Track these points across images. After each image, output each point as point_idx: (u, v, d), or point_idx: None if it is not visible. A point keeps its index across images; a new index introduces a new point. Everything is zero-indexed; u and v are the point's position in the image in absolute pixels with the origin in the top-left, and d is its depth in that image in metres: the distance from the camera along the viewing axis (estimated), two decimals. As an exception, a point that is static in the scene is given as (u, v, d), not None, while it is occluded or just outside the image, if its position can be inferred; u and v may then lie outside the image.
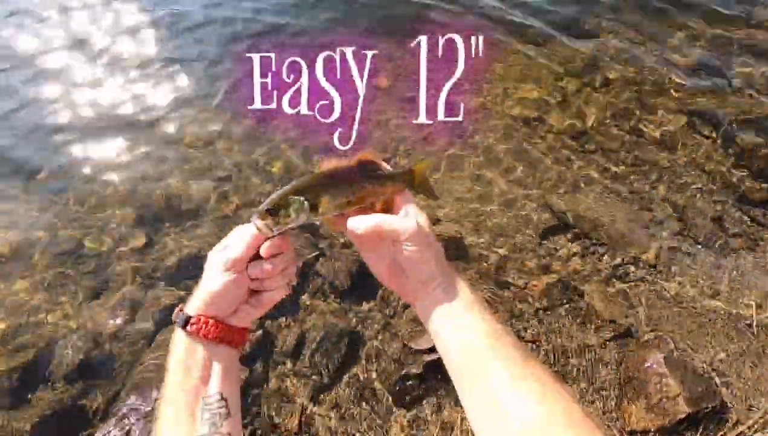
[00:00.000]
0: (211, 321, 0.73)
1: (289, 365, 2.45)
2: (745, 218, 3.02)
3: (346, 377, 2.39)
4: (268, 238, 0.74)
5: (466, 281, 0.76)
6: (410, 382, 2.31)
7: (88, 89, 4.04)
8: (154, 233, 3.04)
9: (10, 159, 3.47)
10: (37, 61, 4.28)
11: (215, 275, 0.73)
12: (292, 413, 2.29)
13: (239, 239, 0.74)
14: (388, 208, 0.79)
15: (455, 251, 2.86)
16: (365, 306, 2.64)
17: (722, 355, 2.53)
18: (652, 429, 2.22)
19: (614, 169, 3.32)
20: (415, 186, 0.84)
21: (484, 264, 2.83)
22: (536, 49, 4.33)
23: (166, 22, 4.73)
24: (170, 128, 3.73)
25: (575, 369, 2.40)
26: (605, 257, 2.86)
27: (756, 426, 2.26)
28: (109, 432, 2.00)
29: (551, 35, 4.47)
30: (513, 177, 3.31)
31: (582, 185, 3.25)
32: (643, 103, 3.78)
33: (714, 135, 3.49)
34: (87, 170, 3.42)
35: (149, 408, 2.08)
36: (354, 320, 2.58)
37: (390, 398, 2.30)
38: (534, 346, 2.48)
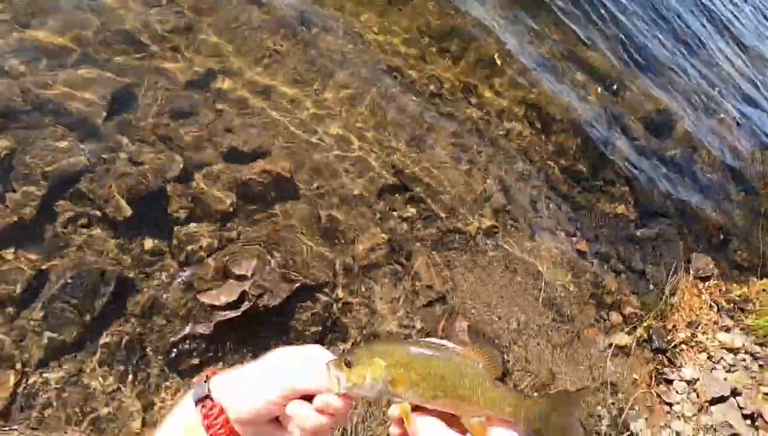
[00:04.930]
0: (223, 417, 0.66)
1: (10, 312, 1.69)
2: (552, 205, 3.35)
3: (103, 334, 1.76)
4: (334, 393, 0.65)
5: None
6: (193, 344, 1.83)
7: None
8: None
9: None
10: None
11: (267, 385, 0.67)
12: (3, 382, 1.58)
13: (317, 374, 0.66)
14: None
15: (281, 190, 2.41)
16: (149, 244, 2.00)
17: (514, 325, 2.75)
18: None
19: (459, 138, 3.29)
20: (532, 423, 0.65)
21: (313, 210, 2.46)
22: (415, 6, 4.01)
23: None
24: None
25: (386, 333, 2.27)
26: (436, 224, 2.81)
27: (527, 389, 2.52)
28: None
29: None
30: (362, 124, 2.98)
31: (427, 148, 3.13)
32: (493, 84, 3.87)
33: (542, 129, 3.79)
34: None
35: None
36: (128, 260, 1.93)
37: (162, 365, 1.78)
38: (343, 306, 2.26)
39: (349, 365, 0.65)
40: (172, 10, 2.80)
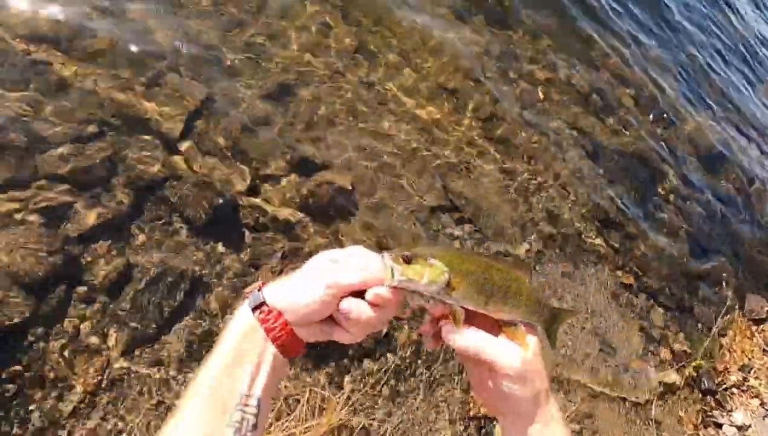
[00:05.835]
0: (281, 320, 0.67)
1: (100, 302, 1.85)
2: (601, 234, 3.34)
3: (177, 330, 1.90)
4: (386, 284, 0.66)
5: (559, 416, 0.73)
6: (259, 345, 1.94)
7: None
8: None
9: None
10: None
11: (314, 285, 0.68)
12: (91, 367, 1.73)
13: (360, 268, 0.68)
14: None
15: (342, 204, 2.53)
16: (221, 248, 2.15)
17: (560, 351, 2.74)
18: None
19: (509, 163, 3.34)
20: (550, 326, 0.78)
21: (369, 223, 2.56)
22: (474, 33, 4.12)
23: None
24: None
25: (435, 352, 2.32)
26: (485, 244, 2.86)
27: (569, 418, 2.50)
28: None
29: (497, 22, 4.30)
30: (416, 144, 3.09)
31: (477, 171, 3.19)
32: (544, 108, 3.91)
33: (592, 156, 3.79)
34: None
35: None
36: (203, 262, 2.08)
37: (230, 361, 1.90)
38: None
39: (407, 260, 0.66)
40: (246, 30, 3.01)
